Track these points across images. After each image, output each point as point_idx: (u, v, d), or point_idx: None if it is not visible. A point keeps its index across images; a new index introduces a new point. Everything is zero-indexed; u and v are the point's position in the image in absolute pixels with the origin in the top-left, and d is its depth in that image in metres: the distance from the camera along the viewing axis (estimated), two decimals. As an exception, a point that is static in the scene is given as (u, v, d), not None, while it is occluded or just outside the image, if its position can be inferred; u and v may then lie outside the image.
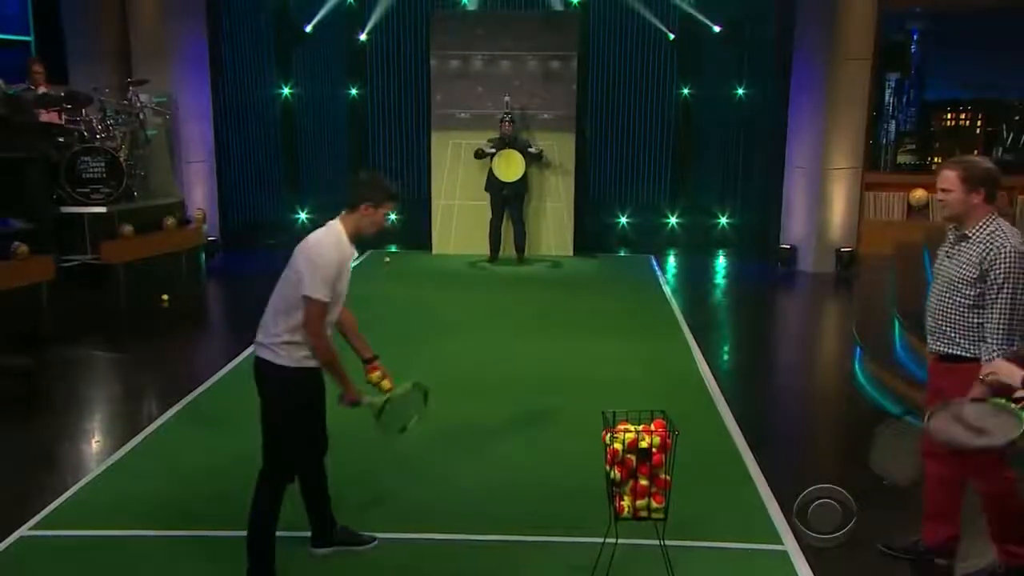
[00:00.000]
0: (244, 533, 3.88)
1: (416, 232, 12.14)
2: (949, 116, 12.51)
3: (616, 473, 3.51)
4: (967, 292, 3.72)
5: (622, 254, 12.80)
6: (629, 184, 13.14)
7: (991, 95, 12.08)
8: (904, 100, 12.34)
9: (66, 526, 4.42)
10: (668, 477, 3.54)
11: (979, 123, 12.28)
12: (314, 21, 12.58)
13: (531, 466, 5.17)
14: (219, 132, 12.18)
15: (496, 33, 12.03)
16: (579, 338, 8.01)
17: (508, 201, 11.54)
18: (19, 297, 7.49)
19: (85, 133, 8.99)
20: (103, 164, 8.80)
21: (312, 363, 3.75)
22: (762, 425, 6.07)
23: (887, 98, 12.21)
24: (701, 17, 12.37)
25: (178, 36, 11.25)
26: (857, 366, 7.26)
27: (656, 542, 3.61)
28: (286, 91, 13.12)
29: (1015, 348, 3.63)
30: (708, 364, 7.28)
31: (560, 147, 12.06)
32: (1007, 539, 3.87)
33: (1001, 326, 3.61)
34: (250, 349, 7.40)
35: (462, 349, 7.64)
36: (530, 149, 11.55)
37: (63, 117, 9.05)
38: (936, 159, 11.85)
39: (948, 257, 3.85)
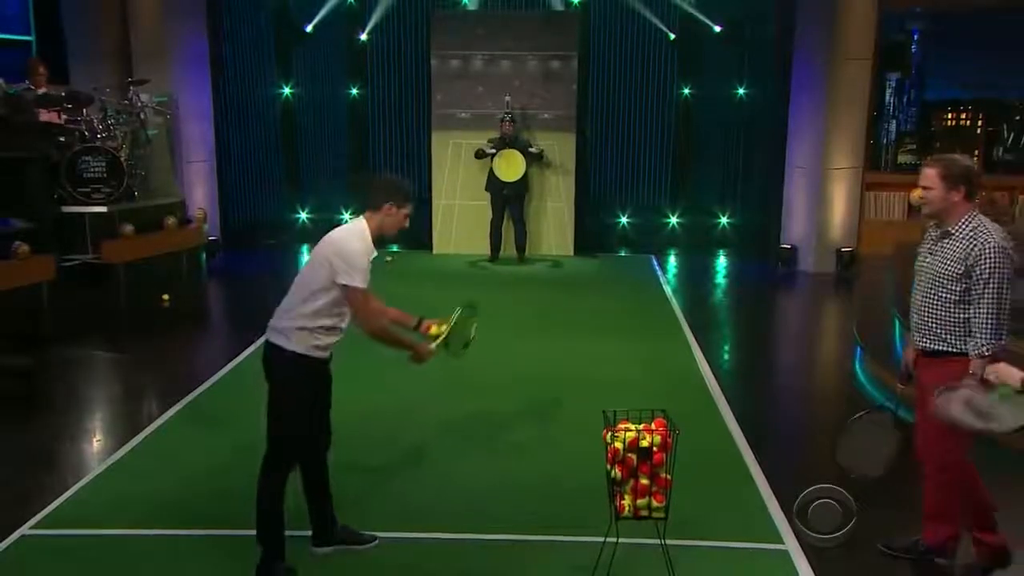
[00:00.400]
0: (245, 532, 3.89)
1: (417, 232, 12.12)
2: (949, 116, 12.52)
3: (617, 472, 3.51)
4: (952, 288, 3.74)
5: (623, 254, 12.81)
6: (629, 184, 13.14)
7: (991, 95, 12.09)
8: (904, 100, 12.35)
9: (67, 525, 4.42)
10: (669, 476, 3.54)
11: (979, 123, 12.29)
12: (315, 21, 12.59)
13: (532, 465, 5.17)
14: (220, 132, 12.18)
15: (496, 33, 12.03)
16: (580, 338, 8.01)
17: (509, 201, 11.54)
18: (20, 297, 7.50)
19: (86, 133, 9.00)
20: (104, 164, 8.81)
21: (321, 354, 3.82)
22: (762, 425, 6.08)
23: (887, 98, 12.22)
24: (702, 17, 12.38)
25: (179, 36, 11.26)
26: (857, 366, 7.27)
27: (657, 541, 3.61)
28: (287, 91, 13.13)
29: (1003, 342, 3.67)
30: (709, 364, 7.28)
31: (560, 147, 12.06)
32: (978, 528, 3.91)
33: (989, 321, 3.65)
34: (251, 349, 7.47)
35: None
36: (531, 149, 11.55)
37: (64, 117, 9.05)
38: (936, 159, 11.84)
39: (931, 254, 3.88)
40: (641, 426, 3.53)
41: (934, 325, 3.83)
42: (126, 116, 9.61)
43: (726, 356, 8.07)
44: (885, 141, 12.31)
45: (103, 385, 7.05)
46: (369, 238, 3.84)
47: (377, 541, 4.18)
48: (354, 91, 13.06)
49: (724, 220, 13.24)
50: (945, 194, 3.77)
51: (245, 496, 4.19)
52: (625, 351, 7.58)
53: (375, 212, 3.87)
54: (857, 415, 4.13)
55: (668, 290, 10.31)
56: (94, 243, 8.59)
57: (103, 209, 8.77)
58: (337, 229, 3.91)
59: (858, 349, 7.49)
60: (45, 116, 8.89)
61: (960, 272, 3.71)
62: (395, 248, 11.98)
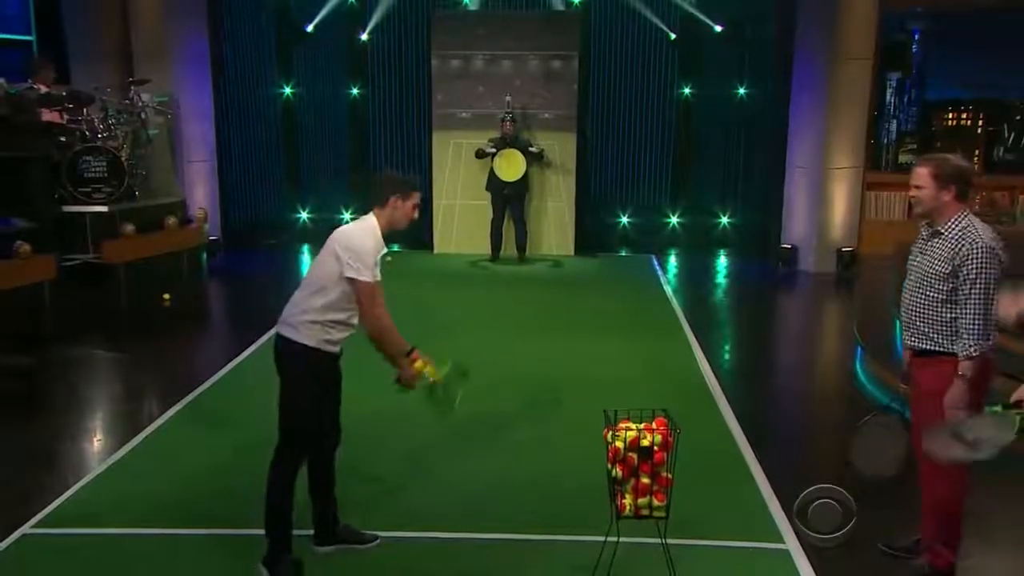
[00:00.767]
0: (245, 531, 3.89)
1: (417, 231, 12.13)
2: (950, 116, 12.51)
3: (618, 471, 3.51)
4: (940, 287, 3.75)
5: (623, 254, 12.81)
6: (630, 184, 13.15)
7: (992, 95, 12.08)
8: (905, 100, 12.35)
9: (68, 524, 4.43)
10: (670, 475, 3.54)
11: (980, 123, 12.28)
12: (315, 21, 12.60)
13: (532, 465, 5.17)
14: (220, 131, 12.19)
15: (497, 33, 12.03)
16: (580, 337, 8.01)
17: (509, 201, 11.54)
18: (21, 296, 7.50)
19: (87, 132, 9.00)
20: (105, 163, 8.81)
21: (331, 348, 3.85)
22: (763, 424, 6.08)
23: (888, 98, 12.22)
24: (702, 17, 12.38)
25: (179, 36, 11.26)
26: (858, 365, 7.27)
27: (658, 541, 3.61)
28: (287, 91, 13.13)
29: (991, 342, 3.66)
30: (709, 363, 7.28)
31: (561, 147, 12.06)
32: (939, 541, 3.89)
33: (976, 321, 3.64)
34: (251, 348, 7.49)
35: (463, 348, 7.59)
36: (531, 149, 11.55)
37: (65, 117, 9.05)
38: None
39: (921, 253, 3.89)
40: (642, 425, 3.53)
41: (922, 325, 3.83)
42: (127, 116, 9.61)
43: (727, 356, 8.08)
44: (886, 141, 12.30)
45: (104, 385, 7.06)
46: (380, 234, 3.88)
47: (379, 541, 4.19)
48: (355, 91, 13.06)
49: (725, 220, 13.24)
50: (936, 193, 3.77)
51: (246, 495, 4.21)
52: (626, 351, 7.59)
53: (382, 208, 3.91)
54: (865, 418, 4.13)
55: (668, 290, 10.31)
56: (95, 243, 8.59)
57: (104, 209, 8.77)
58: (348, 225, 3.95)
59: (859, 349, 7.49)
60: (48, 116, 8.90)
61: (947, 272, 3.71)
62: (395, 248, 11.98)
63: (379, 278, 3.85)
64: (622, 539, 3.56)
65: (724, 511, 4.58)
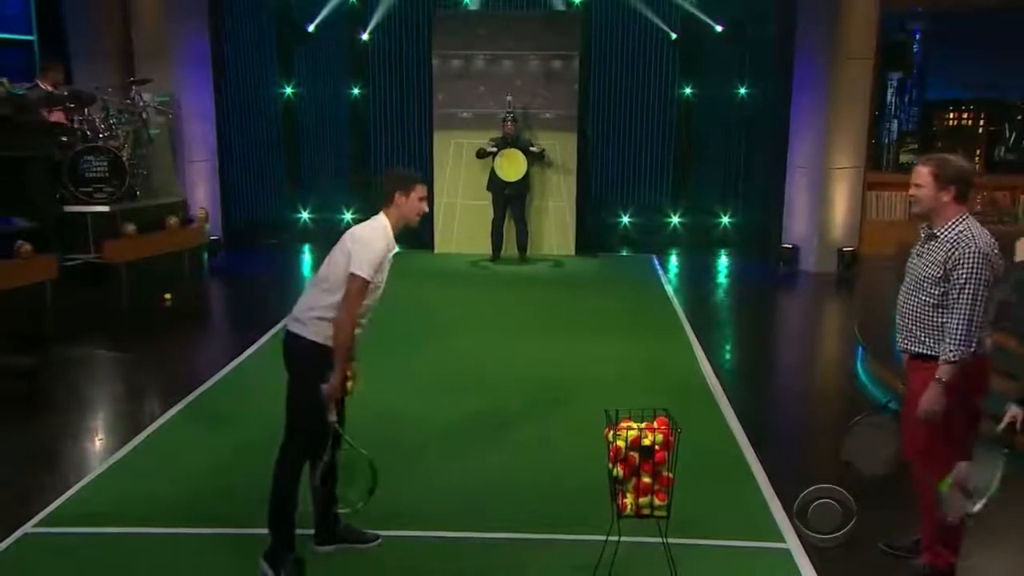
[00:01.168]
0: (247, 530, 3.90)
1: (418, 231, 12.08)
2: (951, 116, 12.51)
3: (619, 471, 3.52)
4: (931, 291, 3.73)
5: (624, 254, 12.81)
6: (631, 184, 13.15)
7: (993, 95, 12.08)
8: (906, 100, 12.35)
9: (69, 524, 4.43)
10: (671, 475, 3.54)
11: (981, 123, 12.28)
12: (316, 21, 12.60)
13: (533, 464, 5.17)
14: (221, 131, 12.20)
15: (498, 33, 12.04)
16: (581, 337, 8.01)
17: (510, 200, 11.54)
18: (22, 296, 7.50)
19: (88, 132, 9.00)
20: (106, 163, 8.81)
21: None
22: (764, 424, 6.08)
23: (889, 98, 12.22)
24: (703, 17, 12.38)
25: (180, 36, 11.26)
26: (859, 365, 7.27)
27: (659, 540, 3.61)
28: (288, 91, 13.14)
29: (973, 350, 3.63)
30: (710, 363, 7.28)
31: (562, 147, 12.06)
32: (939, 542, 3.89)
33: (960, 327, 3.61)
34: (252, 348, 7.49)
35: (464, 348, 7.65)
36: (532, 148, 11.55)
37: (67, 117, 9.07)
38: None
39: (918, 256, 3.87)
40: (643, 425, 3.54)
41: (914, 328, 3.82)
42: (128, 116, 9.61)
43: (727, 355, 8.08)
44: (887, 141, 12.31)
45: (105, 384, 7.06)
46: (391, 234, 3.91)
47: (380, 540, 4.19)
48: (356, 91, 13.07)
49: (725, 220, 13.24)
50: (935, 193, 3.74)
51: (247, 494, 4.22)
52: (627, 351, 7.59)
53: (389, 206, 3.94)
54: (857, 418, 4.14)
55: (669, 290, 10.31)
56: (96, 243, 8.59)
57: (105, 209, 8.77)
58: (361, 224, 3.97)
59: (859, 349, 7.49)
60: (55, 116, 8.93)
61: (939, 275, 3.69)
62: (396, 247, 11.97)
63: (381, 280, 3.85)
64: (623, 538, 3.57)
65: (725, 510, 4.58)
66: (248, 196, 13.07)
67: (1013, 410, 3.59)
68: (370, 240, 3.82)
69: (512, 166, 11.41)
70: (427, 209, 4.04)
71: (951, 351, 3.63)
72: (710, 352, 7.64)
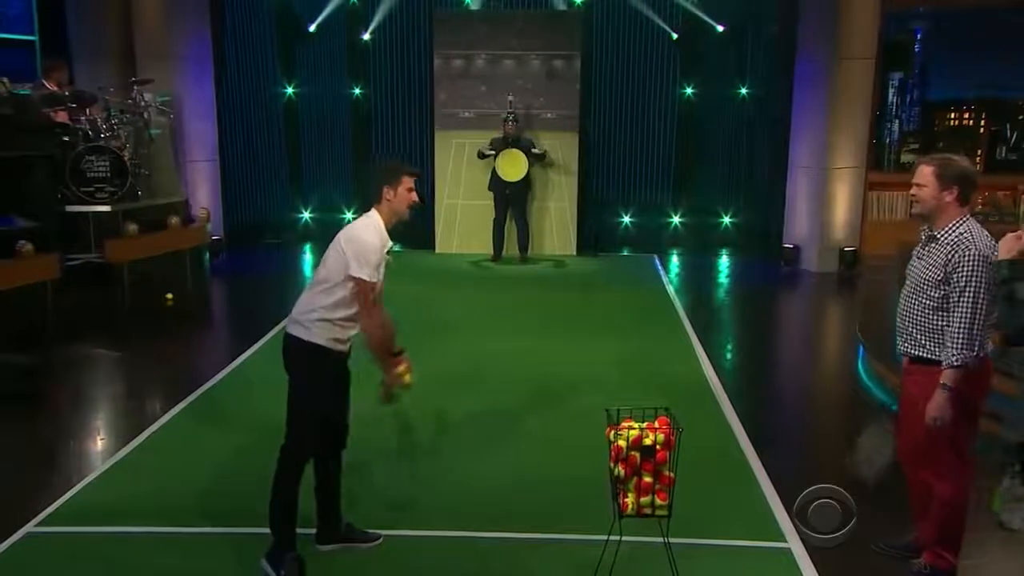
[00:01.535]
0: (249, 529, 3.90)
1: (419, 231, 12.15)
2: (952, 115, 12.50)
3: (620, 470, 3.51)
4: (932, 294, 3.70)
5: (625, 254, 12.81)
6: (632, 184, 13.14)
7: (994, 94, 12.06)
8: (907, 99, 12.33)
9: (72, 523, 4.44)
10: (672, 474, 3.54)
11: (982, 122, 12.26)
12: (318, 21, 12.61)
13: (534, 464, 5.18)
14: (223, 131, 12.21)
15: (499, 32, 12.04)
16: (582, 337, 8.02)
17: (511, 200, 11.55)
18: (24, 296, 7.50)
19: (90, 132, 9.01)
20: (107, 163, 8.82)
21: (340, 347, 3.87)
22: (766, 424, 6.07)
23: (890, 97, 12.21)
24: (704, 16, 12.38)
25: (182, 36, 11.27)
26: (860, 365, 7.27)
27: (660, 540, 3.61)
28: (290, 90, 13.15)
29: (975, 353, 3.61)
30: (711, 363, 7.28)
31: (563, 147, 12.07)
32: (942, 543, 3.89)
33: (962, 331, 3.58)
34: (254, 347, 7.50)
35: (464, 348, 7.65)
36: (534, 151, 11.56)
37: (70, 116, 9.08)
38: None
39: (919, 258, 3.84)
40: (644, 424, 3.53)
41: (914, 331, 3.79)
42: (130, 115, 9.61)
43: (729, 355, 8.08)
44: (888, 141, 12.29)
45: (107, 384, 7.07)
46: (383, 230, 3.88)
47: (381, 540, 4.20)
48: (357, 91, 13.07)
49: (727, 220, 13.24)
50: (937, 193, 3.70)
51: (250, 493, 4.22)
52: (627, 350, 7.59)
53: (379, 202, 3.92)
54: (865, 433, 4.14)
55: (671, 290, 10.31)
56: (98, 242, 8.60)
57: (107, 208, 8.78)
58: (353, 223, 3.95)
59: (861, 349, 7.49)
60: (61, 116, 8.94)
61: (939, 278, 3.66)
62: (397, 247, 11.97)
63: (381, 276, 3.85)
64: (624, 538, 3.56)
65: (727, 510, 4.58)
66: (249, 196, 13.08)
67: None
68: (365, 240, 3.80)
69: (513, 166, 11.42)
70: (417, 199, 3.97)
71: (955, 356, 3.60)
72: (711, 352, 7.64)
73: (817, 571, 3.99)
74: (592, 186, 12.90)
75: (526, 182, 11.56)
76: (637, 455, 3.49)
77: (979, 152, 12.00)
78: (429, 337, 7.84)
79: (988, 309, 3.61)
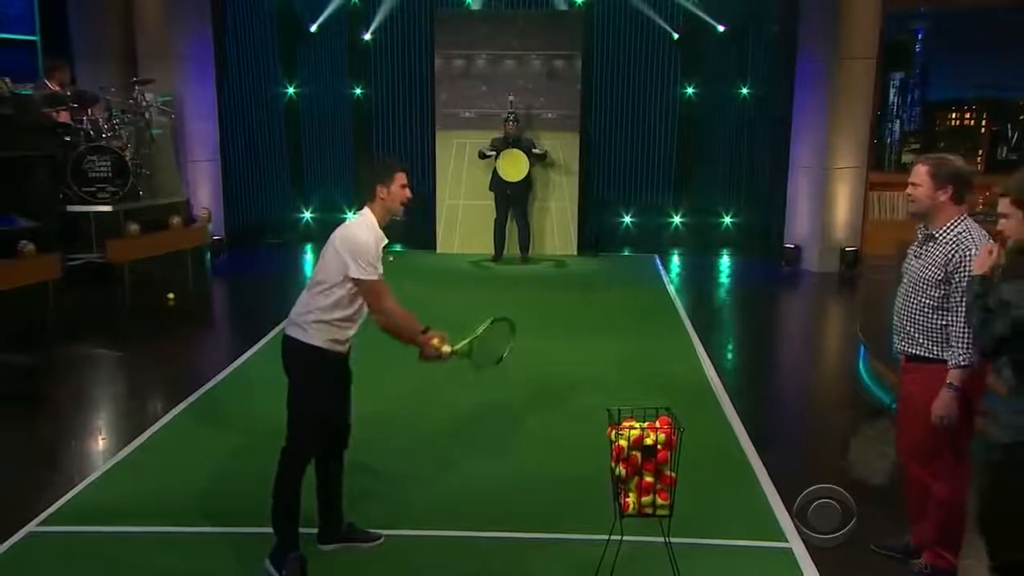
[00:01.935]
0: (251, 529, 3.91)
1: (420, 231, 12.16)
2: (953, 115, 12.50)
3: (621, 470, 3.52)
4: (931, 293, 3.71)
5: (626, 253, 12.81)
6: (633, 184, 13.15)
7: (995, 94, 12.07)
8: (908, 99, 12.34)
9: (74, 522, 4.44)
10: (673, 474, 3.54)
11: (983, 122, 12.27)
12: (319, 21, 12.62)
13: (535, 463, 5.18)
14: (224, 131, 12.22)
15: (500, 32, 12.05)
16: (583, 337, 8.02)
17: (512, 200, 11.56)
18: (25, 295, 7.51)
19: (91, 132, 9.02)
20: (109, 163, 8.84)
21: (339, 348, 3.87)
22: (767, 424, 6.08)
23: (891, 97, 12.21)
24: (705, 16, 12.38)
25: (183, 36, 11.28)
26: (861, 365, 7.27)
27: (661, 539, 3.62)
28: (291, 91, 13.16)
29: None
30: (712, 363, 7.28)
31: (564, 146, 12.08)
32: (942, 543, 3.89)
33: (967, 330, 3.58)
34: (256, 347, 7.51)
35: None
36: (535, 151, 11.56)
37: (72, 117, 9.09)
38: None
39: (916, 257, 3.84)
40: (646, 424, 3.54)
41: (913, 330, 3.80)
42: (131, 116, 9.63)
43: (729, 355, 8.08)
44: (889, 141, 12.30)
45: (108, 384, 7.08)
46: (377, 226, 3.88)
47: (382, 539, 4.20)
48: (358, 91, 13.08)
49: (727, 220, 13.24)
50: (931, 193, 3.72)
51: (251, 493, 4.23)
52: (628, 350, 7.59)
53: (372, 201, 3.91)
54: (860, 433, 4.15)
55: (672, 289, 10.32)
56: (99, 242, 8.61)
57: (108, 208, 8.80)
58: (346, 223, 3.95)
59: (861, 349, 7.50)
60: (63, 116, 8.95)
61: (940, 278, 3.66)
62: (398, 247, 12.01)
63: (381, 272, 3.85)
64: (625, 537, 3.57)
65: (728, 510, 4.58)
66: (251, 196, 13.09)
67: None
68: (360, 240, 3.78)
69: (514, 166, 11.42)
70: (411, 195, 3.97)
71: (961, 356, 3.60)
72: (712, 352, 7.64)
73: (818, 571, 3.99)
74: (593, 186, 12.90)
75: (527, 182, 11.56)
76: (638, 455, 3.49)
77: (980, 152, 12.00)
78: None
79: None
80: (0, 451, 5.46)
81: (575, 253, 12.20)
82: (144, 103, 9.84)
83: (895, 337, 3.94)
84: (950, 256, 3.64)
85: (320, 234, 12.81)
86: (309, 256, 12.26)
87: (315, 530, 4.14)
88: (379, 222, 3.89)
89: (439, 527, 4.37)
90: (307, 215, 13.40)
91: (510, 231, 11.75)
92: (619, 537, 3.54)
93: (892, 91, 12.18)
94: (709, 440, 5.39)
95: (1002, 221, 3.38)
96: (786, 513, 4.48)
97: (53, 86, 9.07)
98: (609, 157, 13.02)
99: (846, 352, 8.15)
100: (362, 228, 3.83)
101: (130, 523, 4.41)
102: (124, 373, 7.28)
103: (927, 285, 3.72)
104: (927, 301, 3.73)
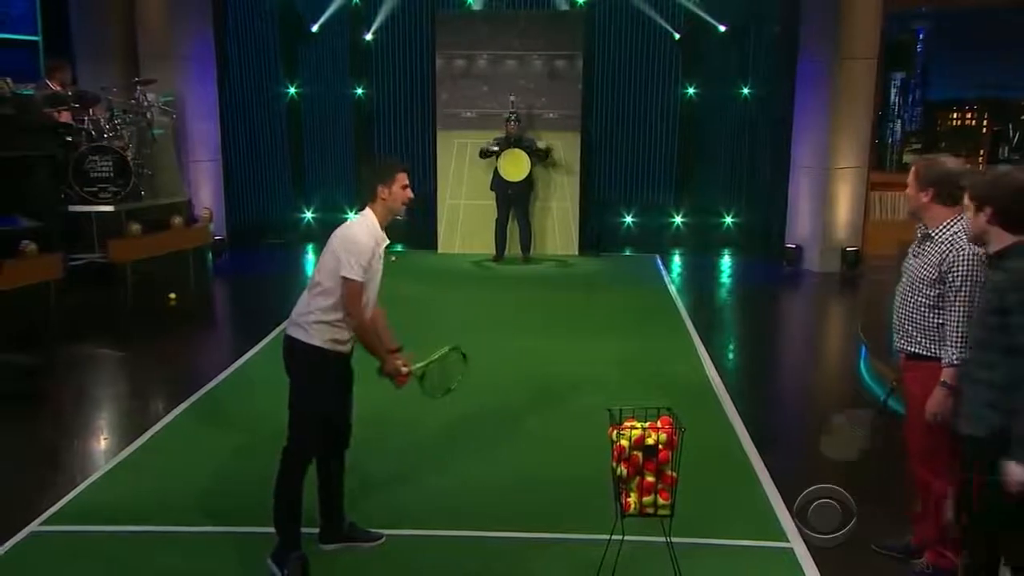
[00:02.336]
0: (253, 529, 3.91)
1: (422, 231, 12.17)
2: (954, 115, 12.52)
3: (622, 470, 3.52)
4: (927, 292, 3.74)
5: (627, 253, 12.81)
6: (634, 183, 13.14)
7: (996, 94, 12.08)
8: (909, 99, 12.35)
9: (76, 522, 4.45)
10: (675, 474, 3.55)
11: (984, 122, 12.27)
12: (320, 21, 12.63)
13: (537, 463, 5.19)
14: (226, 131, 12.22)
15: (501, 33, 12.05)
16: (584, 337, 8.02)
17: (514, 200, 11.56)
18: (27, 295, 7.53)
19: (93, 132, 9.04)
20: (111, 163, 8.85)
21: (340, 348, 3.88)
22: (767, 424, 6.08)
23: (892, 97, 12.23)
24: (706, 17, 12.38)
25: (185, 36, 11.28)
26: (862, 365, 7.27)
27: (662, 539, 3.62)
28: (292, 91, 13.16)
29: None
30: (714, 363, 7.29)
31: (565, 146, 12.08)
32: (943, 542, 3.89)
33: (960, 330, 3.61)
34: (257, 347, 7.52)
35: (467, 348, 7.63)
36: (539, 145, 11.57)
37: (73, 117, 9.10)
38: (942, 159, 11.86)
39: (914, 256, 3.88)
40: (647, 424, 3.54)
41: (910, 328, 3.83)
42: (133, 116, 9.64)
43: (731, 355, 8.08)
44: (890, 141, 12.31)
45: (110, 383, 7.09)
46: (377, 227, 3.89)
47: (384, 539, 4.21)
48: (359, 91, 13.09)
49: (729, 220, 13.23)
50: (915, 193, 3.79)
51: (253, 493, 4.23)
52: (630, 350, 7.60)
53: (374, 201, 3.92)
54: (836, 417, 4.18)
55: (673, 289, 10.32)
56: (101, 242, 8.63)
57: (110, 208, 8.81)
58: (346, 224, 3.95)
59: (863, 349, 7.50)
60: (65, 117, 8.96)
61: (935, 277, 3.70)
62: (400, 247, 12.01)
63: (374, 273, 3.85)
64: (627, 537, 3.57)
65: (729, 510, 4.59)
66: (252, 196, 13.09)
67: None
68: (355, 240, 3.80)
69: (515, 166, 11.42)
70: (412, 195, 3.97)
71: (954, 354, 3.63)
72: (713, 352, 7.64)
73: (819, 571, 4.00)
74: (594, 186, 12.90)
75: (528, 182, 11.57)
76: (639, 455, 3.49)
77: (981, 152, 12.01)
78: (429, 337, 7.82)
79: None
80: (2, 451, 5.47)
81: (576, 253, 12.21)
82: (146, 103, 9.85)
83: (894, 335, 3.97)
84: (944, 256, 3.67)
85: (321, 234, 12.81)
86: (310, 256, 12.27)
87: (316, 530, 4.14)
88: (380, 222, 3.90)
89: (440, 527, 4.38)
90: (308, 215, 13.40)
91: (511, 231, 11.75)
92: (620, 537, 3.55)
93: (893, 91, 12.20)
94: (710, 440, 5.39)
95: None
96: (787, 513, 4.48)
97: (54, 86, 9.08)
98: (610, 157, 13.02)
99: (847, 352, 8.15)
100: (361, 229, 3.85)
101: (132, 523, 4.41)
102: (126, 373, 7.29)
103: (923, 284, 3.76)
104: (923, 300, 3.76)
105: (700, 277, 11.65)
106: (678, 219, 13.22)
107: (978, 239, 3.38)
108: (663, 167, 13.09)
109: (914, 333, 3.82)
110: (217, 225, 11.18)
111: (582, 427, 5.40)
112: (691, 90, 12.93)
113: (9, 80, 8.30)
